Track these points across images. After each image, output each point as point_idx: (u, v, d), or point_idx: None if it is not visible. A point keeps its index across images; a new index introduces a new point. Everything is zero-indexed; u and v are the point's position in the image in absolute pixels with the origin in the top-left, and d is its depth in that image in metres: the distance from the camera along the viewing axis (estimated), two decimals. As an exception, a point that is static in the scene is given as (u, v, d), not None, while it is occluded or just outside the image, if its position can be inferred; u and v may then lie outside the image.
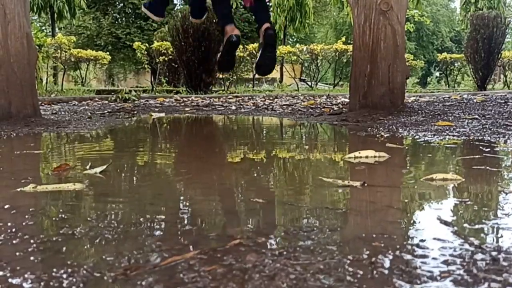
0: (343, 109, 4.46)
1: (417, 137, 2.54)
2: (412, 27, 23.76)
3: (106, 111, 4.80)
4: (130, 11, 20.70)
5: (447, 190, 1.37)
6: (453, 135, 2.55)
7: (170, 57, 11.12)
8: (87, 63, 12.14)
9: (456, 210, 1.14)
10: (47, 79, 10.42)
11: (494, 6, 16.30)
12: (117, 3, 20.52)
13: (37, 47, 5.71)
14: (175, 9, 14.72)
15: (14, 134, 2.75)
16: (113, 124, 3.58)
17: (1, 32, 3.25)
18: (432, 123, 3.09)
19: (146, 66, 13.11)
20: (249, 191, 1.40)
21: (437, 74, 20.40)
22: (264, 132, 3.51)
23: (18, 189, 1.31)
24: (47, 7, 12.48)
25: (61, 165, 1.68)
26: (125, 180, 1.58)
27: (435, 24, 28.53)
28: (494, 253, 0.79)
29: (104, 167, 1.62)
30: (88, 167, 1.65)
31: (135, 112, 4.82)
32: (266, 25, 3.54)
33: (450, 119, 3.35)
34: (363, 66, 3.75)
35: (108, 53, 13.29)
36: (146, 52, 12.37)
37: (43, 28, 17.59)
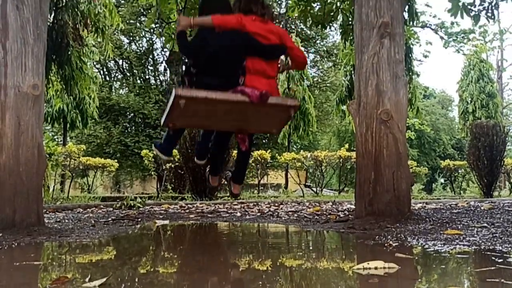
0: (350, 216, 4.41)
1: (426, 246, 2.47)
2: (413, 134, 24.39)
3: (110, 219, 4.76)
4: (140, 120, 21.48)
5: (463, 305, 1.30)
6: (463, 244, 2.49)
7: (177, 164, 11.32)
8: (95, 171, 12.33)
9: (474, 329, 1.07)
10: (54, 186, 10.52)
11: (492, 116, 16.86)
12: (128, 113, 21.37)
13: (47, 156, 5.85)
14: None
15: (16, 244, 2.70)
16: (116, 232, 3.53)
17: (14, 143, 3.35)
18: (441, 232, 3.03)
19: (152, 173, 13.29)
20: (254, 306, 1.34)
21: (442, 180, 20.47)
22: (270, 239, 3.44)
23: (13, 304, 1.26)
24: (61, 118, 13.00)
25: (60, 278, 1.62)
26: (124, 294, 1.52)
27: (435, 132, 29.24)
28: None
29: (104, 279, 1.57)
30: (87, 279, 1.60)
31: (139, 219, 4.77)
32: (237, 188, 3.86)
33: (459, 227, 3.29)
34: (367, 173, 3.77)
35: (116, 160, 13.55)
36: (153, 160, 12.61)
37: (55, 137, 18.16)
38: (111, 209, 6.49)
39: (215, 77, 3.15)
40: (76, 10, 7.86)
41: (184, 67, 3.39)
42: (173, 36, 7.25)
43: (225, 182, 4.46)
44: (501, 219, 3.71)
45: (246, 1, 3.29)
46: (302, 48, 17.61)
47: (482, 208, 4.89)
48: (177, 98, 2.96)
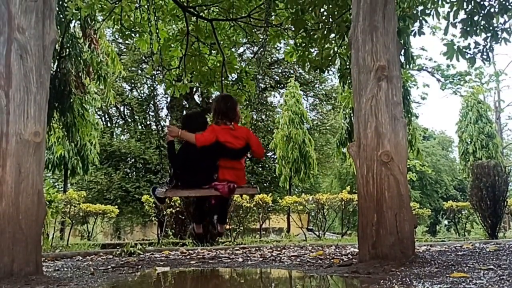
0: (353, 259, 4.33)
1: (432, 290, 2.41)
2: (415, 176, 24.28)
3: (110, 266, 4.68)
4: (141, 165, 21.47)
5: None
6: (471, 287, 2.43)
7: (178, 209, 11.22)
8: (95, 217, 12.22)
9: None
10: (53, 234, 10.39)
11: (492, 156, 16.86)
12: (129, 158, 21.40)
13: (47, 203, 5.81)
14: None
15: (13, 293, 2.65)
16: (115, 280, 3.47)
17: (14, 190, 3.33)
18: (447, 275, 2.97)
19: (153, 218, 13.16)
20: None
21: (446, 222, 20.23)
22: (273, 286, 3.36)
23: None
24: (62, 164, 13.00)
25: (56, 328, 1.58)
26: None
27: (437, 173, 29.13)
28: None
29: (102, 329, 1.52)
30: (85, 330, 1.55)
31: (140, 266, 4.69)
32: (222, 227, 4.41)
33: (465, 270, 3.23)
34: (369, 215, 3.74)
35: (116, 206, 13.45)
36: (154, 205, 12.51)
37: (56, 184, 18.11)
38: (111, 256, 6.38)
39: (195, 177, 3.96)
40: (79, 59, 8.04)
41: (172, 170, 4.17)
42: (173, 82, 7.38)
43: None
44: (508, 260, 3.65)
45: (221, 116, 4.08)
46: (301, 92, 17.89)
47: (488, 249, 4.81)
48: (166, 194, 3.93)
